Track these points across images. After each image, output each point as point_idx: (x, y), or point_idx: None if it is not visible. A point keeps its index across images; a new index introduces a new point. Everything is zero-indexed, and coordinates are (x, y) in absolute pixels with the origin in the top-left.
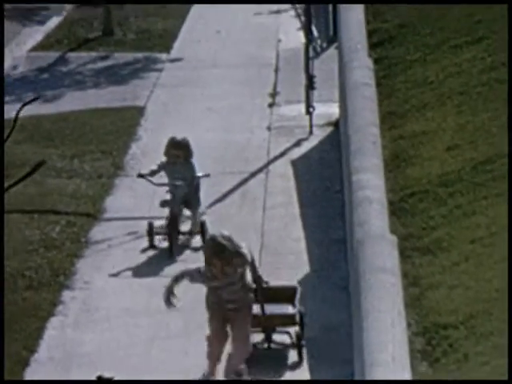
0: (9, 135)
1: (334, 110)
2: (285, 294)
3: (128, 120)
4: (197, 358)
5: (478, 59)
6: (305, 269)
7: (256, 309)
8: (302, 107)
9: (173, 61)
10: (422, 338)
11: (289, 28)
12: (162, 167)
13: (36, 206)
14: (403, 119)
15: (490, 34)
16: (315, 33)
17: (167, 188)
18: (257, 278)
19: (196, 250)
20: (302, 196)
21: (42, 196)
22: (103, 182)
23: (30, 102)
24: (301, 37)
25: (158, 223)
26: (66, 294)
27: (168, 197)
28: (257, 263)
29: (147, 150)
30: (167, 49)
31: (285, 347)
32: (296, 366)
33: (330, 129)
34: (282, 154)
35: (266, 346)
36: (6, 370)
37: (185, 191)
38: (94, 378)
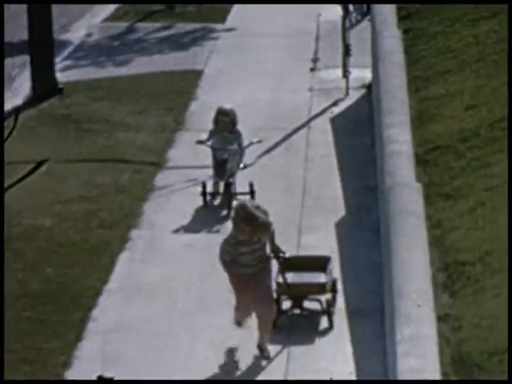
0: (9, 135)
1: (367, 75)
2: (318, 263)
3: (188, 82)
4: None
5: (493, 31)
6: (341, 212)
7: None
8: (339, 71)
9: (227, 30)
10: (444, 273)
11: (329, 7)
12: (212, 134)
13: (108, 156)
14: (427, 83)
15: (503, 10)
16: (351, 7)
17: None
18: (275, 249)
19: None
20: (339, 149)
21: (113, 147)
22: (166, 136)
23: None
24: (338, 10)
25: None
26: (134, 233)
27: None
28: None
29: (204, 107)
30: (222, 20)
31: (316, 314)
32: (326, 331)
33: (363, 90)
34: (322, 112)
35: (296, 312)
36: (83, 297)
37: (235, 155)
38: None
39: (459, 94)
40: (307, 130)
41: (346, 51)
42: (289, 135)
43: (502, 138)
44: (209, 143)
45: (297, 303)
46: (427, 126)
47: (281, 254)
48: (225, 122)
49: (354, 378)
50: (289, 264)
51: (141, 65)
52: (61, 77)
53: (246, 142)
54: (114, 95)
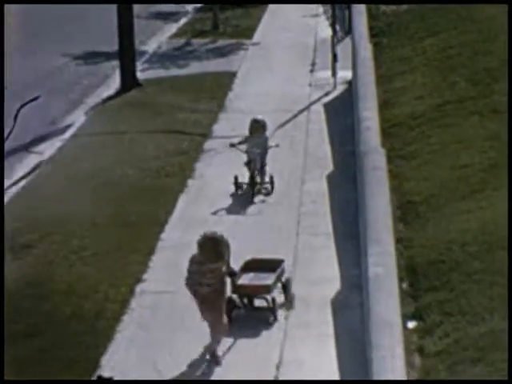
0: (8, 134)
1: (348, 74)
2: (272, 265)
3: (226, 79)
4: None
5: (435, 45)
6: (330, 168)
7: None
8: (329, 72)
9: (253, 44)
10: (400, 210)
11: (322, 25)
12: (245, 139)
13: (171, 128)
14: (389, 80)
15: (441, 30)
16: (338, 28)
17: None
18: (230, 271)
19: (267, 194)
20: (329, 125)
21: (175, 123)
22: (212, 116)
23: (29, 102)
24: (329, 31)
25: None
26: (190, 182)
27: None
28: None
29: (238, 96)
30: (250, 37)
31: (263, 310)
32: (272, 323)
33: (346, 85)
34: (318, 100)
35: (248, 308)
36: (155, 225)
37: (260, 156)
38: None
39: (411, 87)
40: (307, 112)
41: (334, 58)
42: (295, 115)
43: (440, 117)
44: (240, 146)
45: (248, 301)
46: (389, 110)
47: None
48: (257, 128)
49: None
50: (249, 266)
51: (194, 67)
52: (140, 75)
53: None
54: (176, 88)
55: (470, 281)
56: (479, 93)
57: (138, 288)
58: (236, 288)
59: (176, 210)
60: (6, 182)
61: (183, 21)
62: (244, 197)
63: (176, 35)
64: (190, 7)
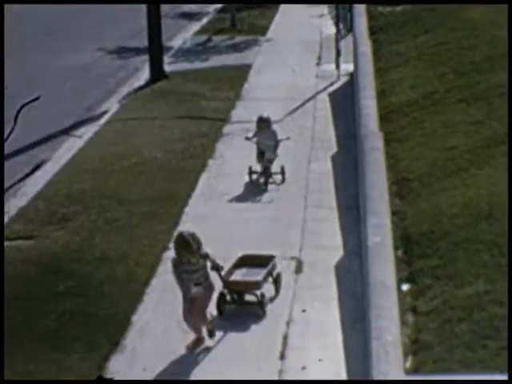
0: (9, 135)
1: (350, 67)
2: (263, 261)
3: (243, 71)
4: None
5: (426, 42)
6: (334, 149)
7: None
8: (333, 65)
9: (266, 40)
10: (395, 186)
11: (327, 24)
12: (256, 133)
13: (194, 114)
14: (386, 72)
15: (432, 28)
16: (341, 26)
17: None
18: (214, 265)
19: (278, 184)
20: (333, 112)
21: (198, 110)
22: (230, 103)
23: (29, 103)
24: (333, 29)
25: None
26: (210, 162)
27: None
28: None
29: (253, 86)
30: (264, 34)
31: (253, 304)
32: (260, 318)
33: (348, 77)
34: (323, 90)
35: (238, 303)
36: (180, 199)
37: (272, 147)
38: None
39: (405, 78)
40: (314, 100)
41: (338, 53)
42: (303, 103)
43: (430, 105)
44: (254, 139)
45: (238, 296)
46: (386, 98)
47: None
48: (263, 126)
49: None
50: (242, 261)
51: (215, 61)
52: (167, 68)
53: (279, 137)
54: (198, 79)
55: (456, 249)
56: (465, 83)
57: (165, 255)
58: (227, 284)
59: (198, 187)
60: (49, 165)
61: (205, 20)
62: (257, 186)
63: (199, 32)
64: (210, 8)
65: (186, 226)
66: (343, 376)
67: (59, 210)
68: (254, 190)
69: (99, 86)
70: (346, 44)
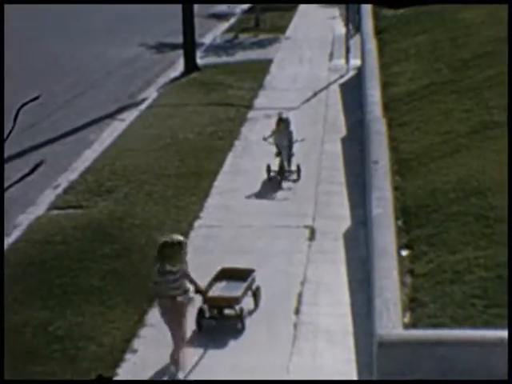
0: (8, 135)
1: (358, 62)
2: (243, 275)
3: (265, 65)
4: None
5: (425, 40)
6: (344, 132)
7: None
8: (344, 60)
9: (286, 38)
10: (396, 165)
11: (338, 25)
12: (274, 132)
13: (222, 101)
14: (389, 66)
15: (430, 29)
16: (350, 27)
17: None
18: (196, 286)
19: (294, 181)
20: (343, 100)
21: (226, 97)
22: (253, 92)
23: (29, 102)
24: (343, 29)
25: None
26: (236, 142)
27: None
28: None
29: (274, 77)
30: (283, 33)
31: (232, 318)
32: (239, 332)
33: (356, 70)
34: (335, 81)
35: (218, 318)
36: (210, 174)
37: (288, 147)
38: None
39: (406, 72)
40: (327, 90)
41: (347, 50)
42: (317, 92)
43: (428, 95)
44: (270, 140)
45: (218, 311)
46: (389, 89)
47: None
48: (281, 126)
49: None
50: (221, 275)
51: (240, 56)
52: (199, 61)
53: (294, 138)
54: (226, 71)
55: (449, 220)
56: (458, 77)
57: (196, 223)
58: (206, 299)
59: (225, 164)
60: (96, 144)
61: (232, 20)
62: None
63: (227, 31)
64: (237, 9)
65: (215, 198)
66: (350, 329)
67: (105, 183)
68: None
69: (140, 77)
70: (355, 42)
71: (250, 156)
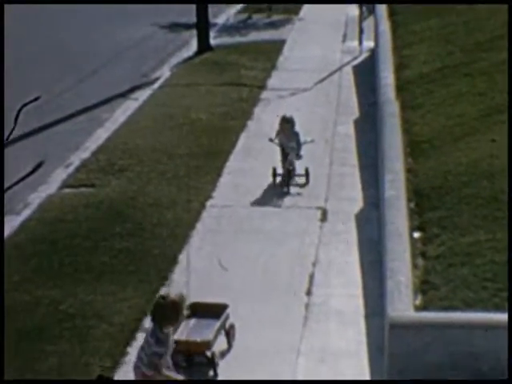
0: (9, 135)
1: (371, 44)
2: (216, 310)
3: (278, 45)
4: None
5: (438, 23)
6: (356, 114)
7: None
8: (357, 42)
9: (299, 19)
10: (408, 147)
11: (352, 6)
12: (279, 133)
13: (235, 82)
14: (403, 48)
15: (443, 12)
16: (364, 9)
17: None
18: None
19: (302, 186)
20: (356, 82)
21: (238, 78)
22: (266, 73)
23: (29, 103)
24: (357, 10)
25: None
26: (249, 123)
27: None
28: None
29: (287, 59)
30: (296, 14)
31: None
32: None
33: (369, 52)
34: (348, 63)
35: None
36: (222, 153)
37: (296, 149)
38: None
39: (419, 54)
40: (340, 72)
41: (361, 31)
42: (330, 74)
43: (440, 78)
44: (276, 141)
45: (185, 358)
46: (402, 72)
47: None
48: (286, 127)
49: None
50: (192, 310)
51: (253, 36)
52: (212, 42)
53: (302, 139)
54: (239, 51)
55: (461, 203)
56: (470, 60)
57: (209, 203)
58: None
59: (238, 144)
60: (109, 123)
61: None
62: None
63: (240, 12)
64: None
65: (227, 178)
66: (361, 310)
67: (117, 162)
68: None
69: (153, 56)
70: (368, 24)
71: (263, 136)
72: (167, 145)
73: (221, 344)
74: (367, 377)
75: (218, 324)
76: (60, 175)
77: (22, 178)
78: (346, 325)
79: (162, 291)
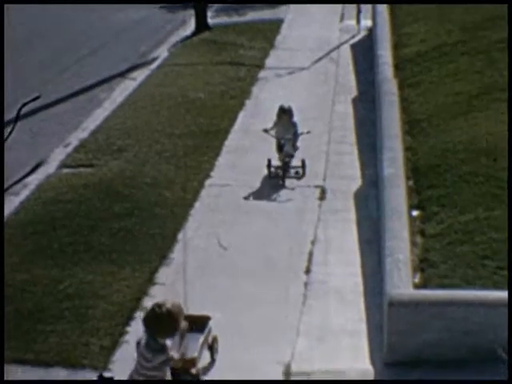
0: (9, 135)
1: (369, 22)
2: (199, 323)
3: (276, 25)
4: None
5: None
6: (355, 93)
7: None
8: (355, 21)
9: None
10: (407, 125)
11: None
12: (275, 124)
13: (233, 61)
14: (400, 27)
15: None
16: None
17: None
18: None
19: (298, 178)
20: (354, 60)
21: (237, 57)
22: (265, 52)
23: (29, 102)
24: None
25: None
26: (247, 102)
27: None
28: None
29: (285, 38)
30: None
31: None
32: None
33: (367, 31)
34: (346, 42)
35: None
36: (221, 133)
37: (292, 141)
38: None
39: (417, 33)
40: (338, 51)
41: (358, 10)
42: (328, 53)
43: (438, 56)
44: (272, 132)
45: (173, 374)
46: (400, 50)
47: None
48: (284, 118)
49: None
50: None
51: (251, 16)
52: (210, 21)
53: (299, 130)
54: (237, 31)
55: (460, 180)
56: (469, 38)
57: (207, 182)
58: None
59: (236, 123)
60: (107, 103)
61: None
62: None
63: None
64: None
65: (226, 156)
66: (360, 288)
67: (115, 142)
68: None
69: (151, 36)
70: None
71: (261, 115)
72: (165, 124)
73: (204, 359)
74: (366, 355)
75: (201, 338)
76: (59, 155)
77: (23, 177)
78: (345, 303)
79: (159, 300)
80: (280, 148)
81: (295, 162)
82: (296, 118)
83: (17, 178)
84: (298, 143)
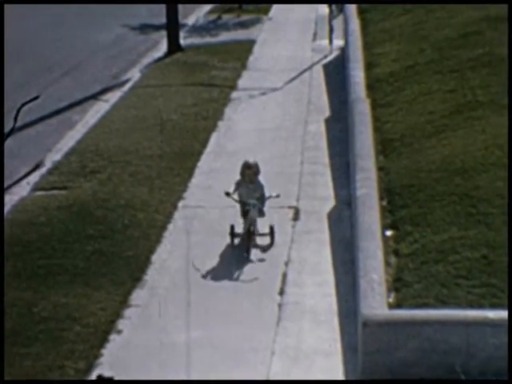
0: (9, 134)
1: (341, 42)
2: None
3: (248, 45)
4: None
5: (408, 20)
6: (327, 113)
7: None
8: (327, 41)
9: (269, 19)
10: (380, 145)
11: (321, 5)
12: (239, 185)
13: (206, 82)
14: (373, 47)
15: (413, 9)
16: (333, 7)
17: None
18: None
19: (265, 249)
20: (326, 81)
21: (209, 78)
22: (237, 73)
23: (28, 102)
24: (327, 9)
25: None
26: (220, 123)
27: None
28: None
29: (257, 58)
30: (266, 14)
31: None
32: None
33: (339, 50)
34: (318, 62)
35: None
36: (193, 155)
37: (258, 206)
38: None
39: (389, 52)
40: (310, 71)
41: (330, 30)
42: (300, 73)
43: (411, 75)
44: (235, 196)
45: None
46: (372, 70)
47: None
48: (249, 174)
49: None
50: None
51: (223, 36)
52: (182, 42)
53: (267, 193)
54: (209, 52)
55: (433, 200)
56: (441, 57)
57: (180, 203)
58: None
59: (209, 145)
60: (79, 125)
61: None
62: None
63: (210, 12)
64: None
65: (199, 178)
66: (335, 309)
67: (89, 164)
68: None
69: (123, 58)
70: (338, 22)
71: (234, 136)
72: (138, 146)
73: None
74: (341, 375)
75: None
76: (32, 178)
77: (23, 177)
78: (319, 323)
79: None
80: (244, 214)
81: (262, 227)
82: (261, 177)
83: (16, 179)
84: (265, 207)
